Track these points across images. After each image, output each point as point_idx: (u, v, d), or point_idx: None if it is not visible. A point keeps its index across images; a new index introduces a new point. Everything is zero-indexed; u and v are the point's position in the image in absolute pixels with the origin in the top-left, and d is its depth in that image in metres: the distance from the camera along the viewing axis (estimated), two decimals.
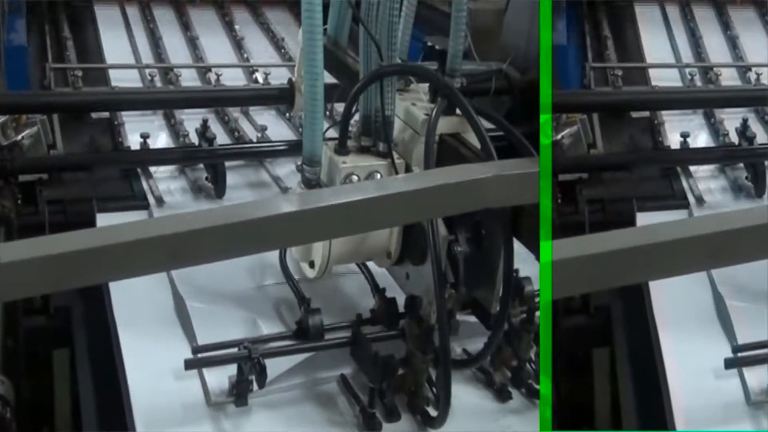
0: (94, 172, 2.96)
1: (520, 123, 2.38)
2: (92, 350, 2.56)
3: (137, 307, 2.52)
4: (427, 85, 2.47)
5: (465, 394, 2.46)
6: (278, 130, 3.40)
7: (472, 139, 2.32)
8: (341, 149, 2.35)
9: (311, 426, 2.33)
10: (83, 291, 2.59)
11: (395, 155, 2.35)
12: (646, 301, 2.83)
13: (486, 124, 2.28)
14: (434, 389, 2.35)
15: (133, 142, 3.14)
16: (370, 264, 2.59)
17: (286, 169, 3.21)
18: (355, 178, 2.31)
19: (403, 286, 2.47)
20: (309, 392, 2.41)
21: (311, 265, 2.37)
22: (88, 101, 3.11)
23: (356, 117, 2.40)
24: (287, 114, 3.46)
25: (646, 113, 3.46)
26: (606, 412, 2.89)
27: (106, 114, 3.14)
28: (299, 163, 2.32)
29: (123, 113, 3.17)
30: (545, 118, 2.45)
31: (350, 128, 2.39)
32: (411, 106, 2.41)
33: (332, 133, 2.41)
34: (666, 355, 2.69)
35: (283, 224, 1.87)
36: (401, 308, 2.45)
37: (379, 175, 2.33)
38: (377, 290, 2.53)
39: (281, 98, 3.12)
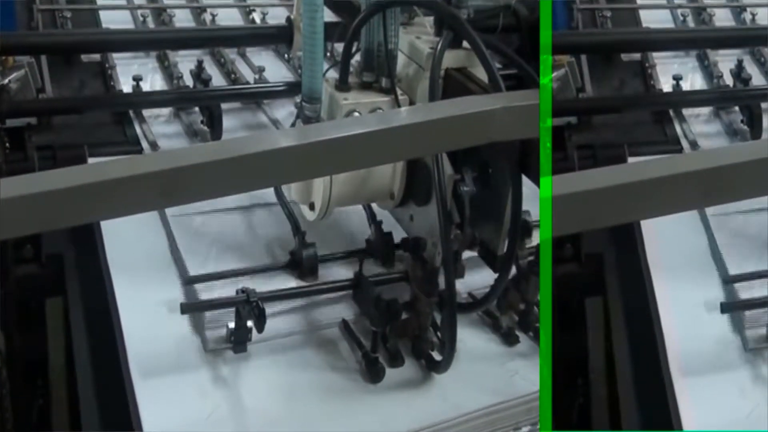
0: (85, 117, 2.75)
1: (528, 62, 2.20)
2: (86, 298, 2.40)
3: (130, 251, 2.37)
4: (431, 18, 2.27)
5: (471, 338, 2.36)
6: (277, 71, 3.17)
7: (479, 74, 2.14)
8: (342, 85, 2.17)
9: (312, 371, 2.21)
10: (75, 237, 2.43)
11: (399, 91, 2.18)
12: (639, 248, 2.67)
13: None
14: (439, 333, 2.24)
15: (126, 85, 2.91)
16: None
17: (285, 112, 3.01)
18: (356, 115, 2.13)
19: (407, 229, 2.32)
20: (310, 337, 2.29)
21: (311, 207, 2.22)
22: (79, 41, 2.84)
23: (357, 57, 2.21)
24: (286, 55, 3.23)
25: (637, 56, 3.22)
26: (600, 361, 2.74)
27: (96, 56, 2.91)
28: (298, 100, 2.12)
29: (114, 55, 2.95)
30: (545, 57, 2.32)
31: (352, 65, 2.20)
32: (415, 40, 2.22)
33: (333, 74, 2.22)
34: (660, 302, 2.55)
35: (282, 159, 1.68)
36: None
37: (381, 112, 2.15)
38: (374, 220, 2.41)
39: (279, 37, 2.86)
